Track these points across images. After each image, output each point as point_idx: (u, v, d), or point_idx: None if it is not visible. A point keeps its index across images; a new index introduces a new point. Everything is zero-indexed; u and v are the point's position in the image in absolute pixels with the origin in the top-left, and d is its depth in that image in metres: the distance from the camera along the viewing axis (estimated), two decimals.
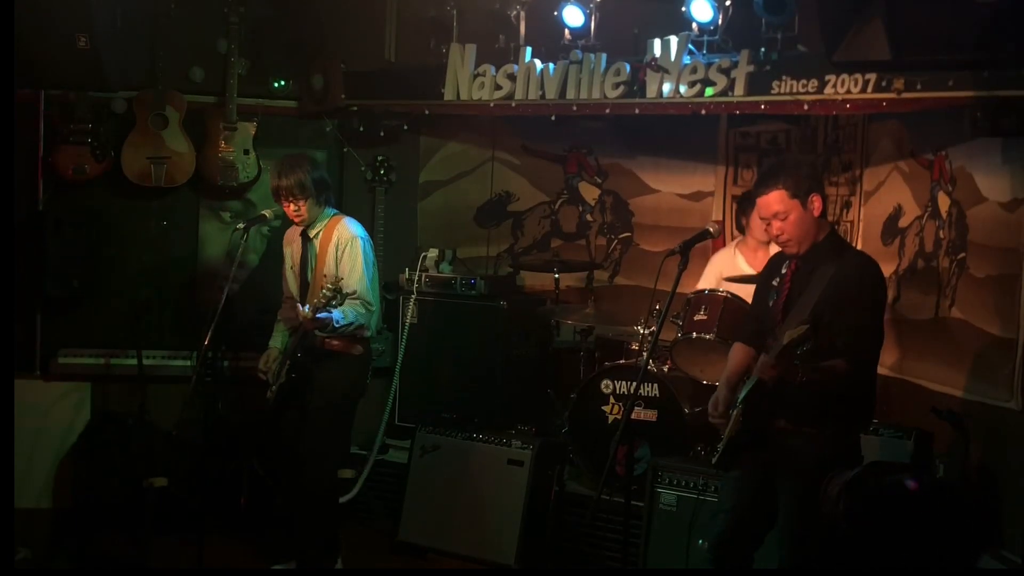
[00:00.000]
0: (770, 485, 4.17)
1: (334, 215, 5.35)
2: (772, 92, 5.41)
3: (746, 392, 4.11)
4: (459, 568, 5.71)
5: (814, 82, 5.29)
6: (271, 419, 5.42)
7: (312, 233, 5.31)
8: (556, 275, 6.58)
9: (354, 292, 5.17)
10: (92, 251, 6.59)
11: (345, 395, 5.36)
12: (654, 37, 5.75)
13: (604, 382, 5.88)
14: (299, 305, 5.09)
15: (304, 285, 5.34)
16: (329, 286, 4.95)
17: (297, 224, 5.33)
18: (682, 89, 5.68)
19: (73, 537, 5.98)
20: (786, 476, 4.11)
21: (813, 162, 4.32)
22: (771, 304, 4.27)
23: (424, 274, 6.72)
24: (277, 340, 5.52)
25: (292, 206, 5.21)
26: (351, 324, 5.14)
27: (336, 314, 5.03)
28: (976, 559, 4.64)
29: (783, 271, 4.28)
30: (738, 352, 4.44)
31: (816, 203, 4.12)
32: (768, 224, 4.16)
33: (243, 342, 6.21)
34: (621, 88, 5.89)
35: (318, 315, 4.97)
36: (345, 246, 5.22)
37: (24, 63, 5.30)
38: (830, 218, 6.27)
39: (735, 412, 4.15)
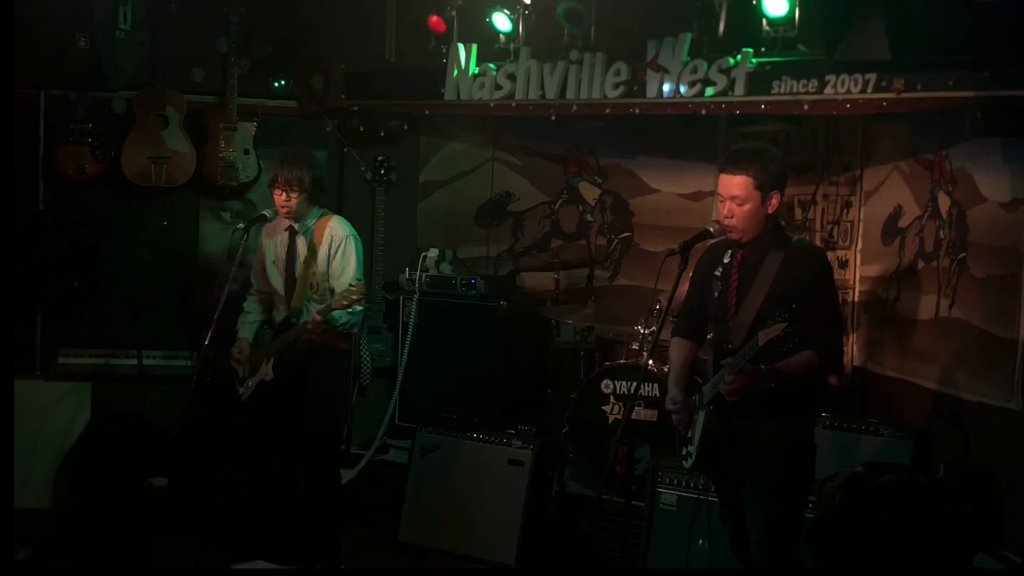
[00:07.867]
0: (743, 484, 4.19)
1: (323, 213, 5.36)
2: (772, 92, 5.41)
3: (711, 396, 4.11)
4: (459, 568, 5.71)
5: (814, 82, 5.29)
6: (258, 416, 5.45)
7: (300, 229, 5.31)
8: (556, 275, 6.57)
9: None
10: (92, 251, 6.60)
11: (338, 392, 5.41)
12: (654, 37, 5.76)
13: (604, 382, 5.87)
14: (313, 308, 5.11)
15: (291, 281, 5.34)
16: (353, 290, 4.99)
17: (283, 216, 5.33)
18: (682, 89, 5.67)
19: (73, 537, 5.98)
20: (752, 469, 4.13)
21: (785, 159, 4.30)
22: (717, 295, 4.25)
23: (424, 274, 6.71)
24: (246, 331, 5.49)
25: (284, 196, 5.21)
26: (346, 324, 5.18)
27: (340, 316, 5.09)
28: (972, 559, 4.65)
29: (726, 260, 4.24)
30: (680, 347, 4.44)
31: (774, 201, 4.14)
32: (722, 201, 4.17)
33: None
34: (621, 88, 5.88)
35: (326, 317, 5.05)
36: (339, 245, 5.24)
37: (24, 63, 5.30)
38: (830, 218, 6.31)
39: (702, 416, 4.16)
